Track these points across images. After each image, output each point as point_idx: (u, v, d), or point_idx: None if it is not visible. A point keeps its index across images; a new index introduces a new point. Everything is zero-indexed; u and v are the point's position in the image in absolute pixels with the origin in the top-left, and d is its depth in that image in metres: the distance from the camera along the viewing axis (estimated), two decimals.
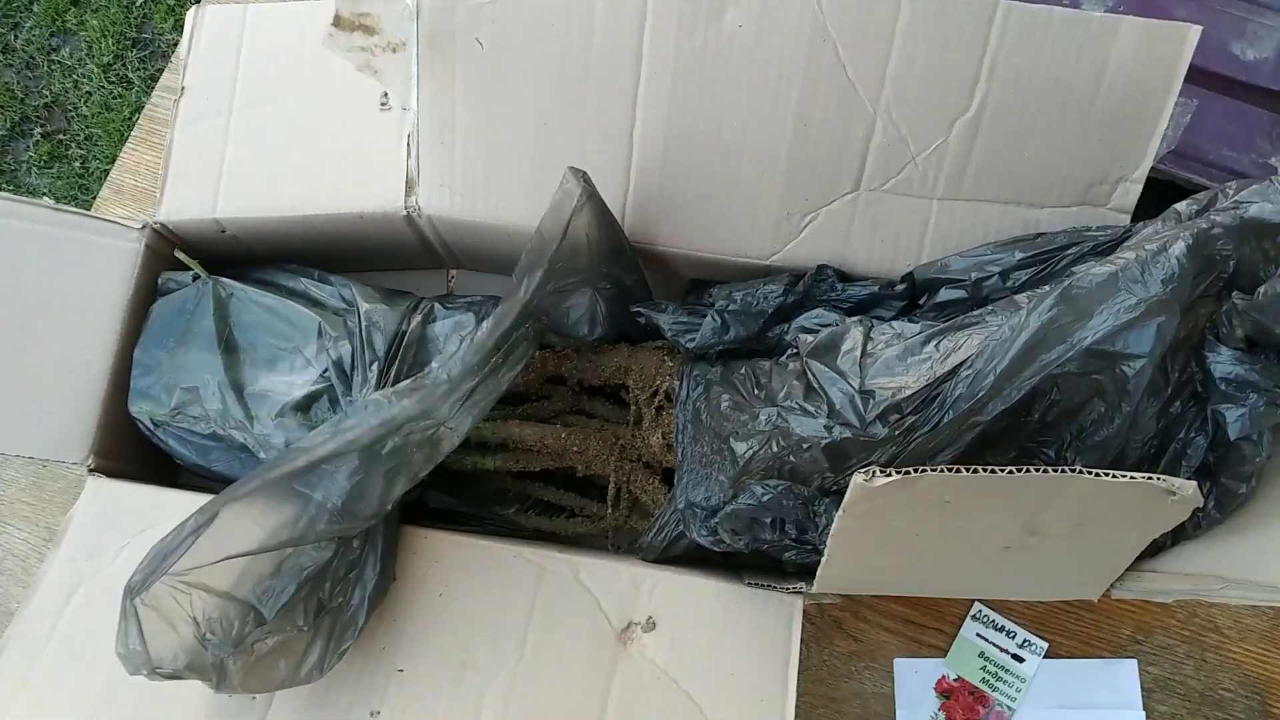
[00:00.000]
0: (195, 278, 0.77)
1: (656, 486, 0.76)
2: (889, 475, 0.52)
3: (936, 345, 0.63)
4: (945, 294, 0.70)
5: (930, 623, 0.83)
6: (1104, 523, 0.58)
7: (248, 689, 0.60)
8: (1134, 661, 0.82)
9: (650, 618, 0.68)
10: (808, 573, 0.70)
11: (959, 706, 0.81)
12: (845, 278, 0.74)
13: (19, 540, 0.88)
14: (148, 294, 0.78)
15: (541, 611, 0.68)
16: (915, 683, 0.82)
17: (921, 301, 0.72)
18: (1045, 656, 0.82)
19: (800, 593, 0.69)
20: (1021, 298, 0.64)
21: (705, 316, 0.71)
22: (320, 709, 0.64)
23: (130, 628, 0.58)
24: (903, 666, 0.83)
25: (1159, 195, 0.74)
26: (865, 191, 0.72)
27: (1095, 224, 0.71)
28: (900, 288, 0.72)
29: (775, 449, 0.64)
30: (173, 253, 0.79)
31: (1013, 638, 0.82)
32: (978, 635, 0.83)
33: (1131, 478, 0.51)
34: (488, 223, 0.76)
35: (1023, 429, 0.62)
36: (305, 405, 0.71)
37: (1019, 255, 0.69)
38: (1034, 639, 0.82)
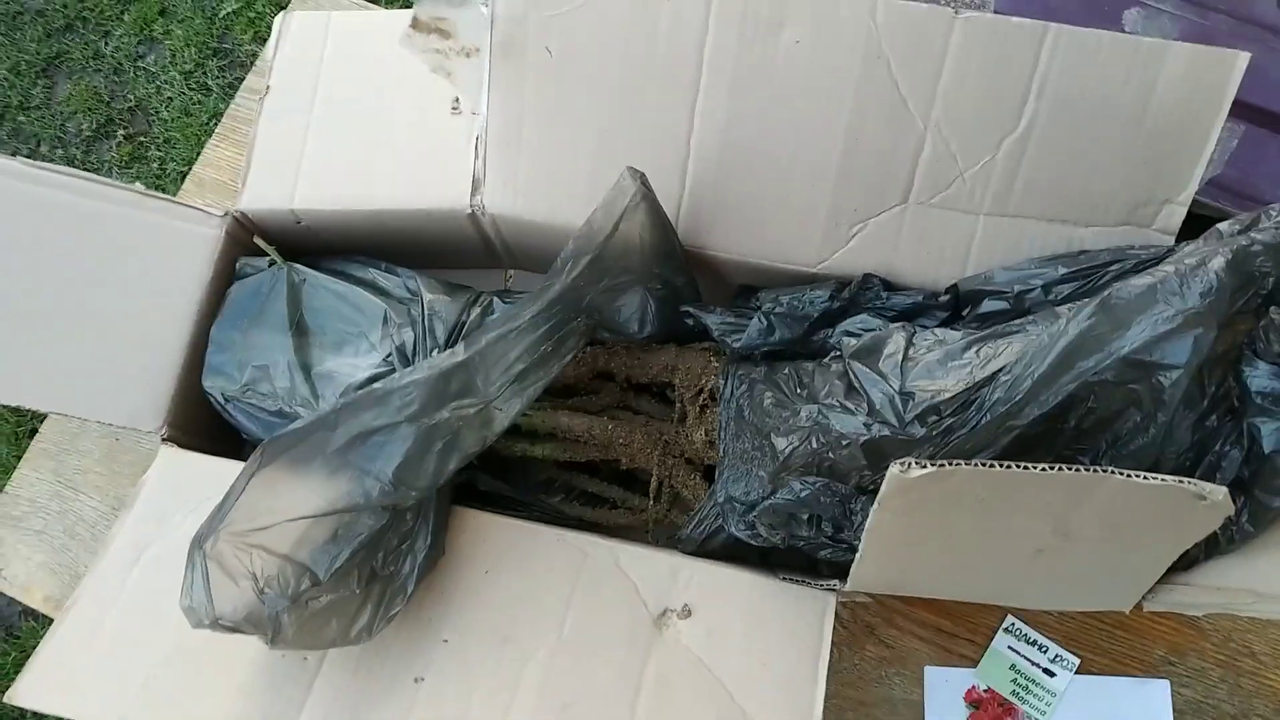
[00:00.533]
0: (271, 263, 0.81)
1: (697, 482, 0.79)
2: (924, 466, 0.54)
3: (977, 351, 0.65)
4: (988, 305, 0.72)
5: (962, 632, 0.84)
6: (1135, 527, 0.59)
7: (300, 645, 0.63)
8: (1166, 682, 0.82)
9: (686, 605, 0.71)
10: (842, 572, 0.72)
11: (988, 717, 0.82)
12: (890, 287, 0.76)
13: (90, 508, 0.93)
14: (226, 277, 0.82)
15: (582, 594, 0.71)
16: (945, 691, 0.83)
17: (965, 313, 0.74)
18: (1077, 673, 0.83)
19: (834, 589, 0.71)
20: (1062, 308, 0.66)
21: (752, 319, 0.74)
22: (368, 673, 0.67)
23: (196, 579, 0.61)
24: (933, 674, 0.84)
25: (1199, 228, 0.76)
26: (913, 204, 0.75)
27: (1139, 244, 0.73)
28: (944, 298, 0.74)
29: (815, 445, 0.66)
30: (251, 240, 0.83)
31: (1045, 652, 0.83)
32: (1009, 648, 0.83)
33: (1162, 480, 0.53)
34: (547, 222, 0.80)
35: (1059, 436, 0.63)
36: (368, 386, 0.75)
37: (1062, 270, 0.70)
38: (1066, 654, 0.83)
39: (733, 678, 0.68)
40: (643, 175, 0.71)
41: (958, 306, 0.74)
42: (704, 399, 0.77)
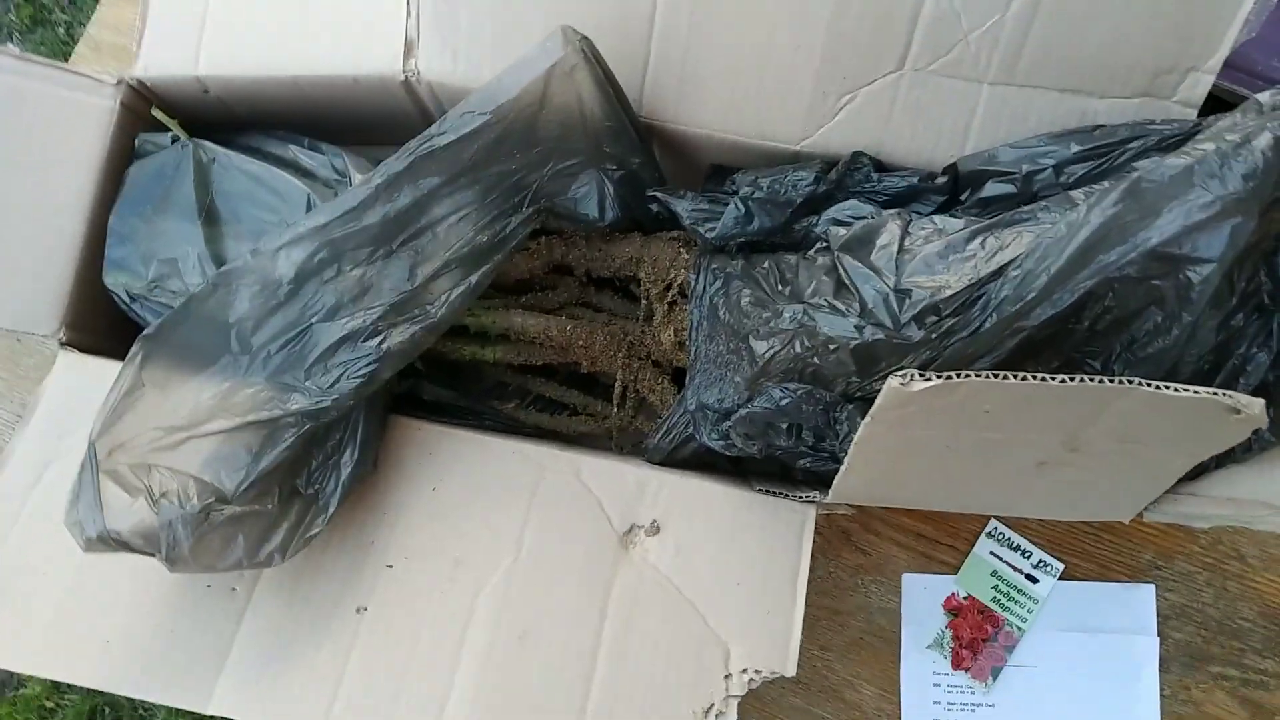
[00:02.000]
0: (175, 140, 0.71)
1: (665, 386, 0.72)
2: (928, 379, 0.47)
3: (982, 242, 0.57)
4: (992, 188, 0.64)
5: (943, 538, 0.80)
6: (1153, 441, 0.53)
7: (201, 565, 0.56)
8: (1151, 586, 0.79)
9: (654, 521, 0.65)
10: (821, 481, 0.66)
11: (967, 625, 0.79)
12: (881, 167, 0.68)
13: None
14: (123, 157, 0.72)
15: (540, 511, 0.64)
16: (923, 599, 0.80)
17: (964, 196, 0.66)
18: (1060, 578, 0.79)
19: (813, 501, 0.65)
20: (1078, 193, 0.58)
21: (728, 204, 0.66)
22: (305, 603, 0.61)
23: (85, 492, 0.54)
24: (911, 582, 0.80)
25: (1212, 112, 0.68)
26: (910, 71, 0.66)
27: (1159, 117, 0.65)
28: (941, 180, 0.66)
29: (799, 349, 0.59)
30: (150, 112, 0.72)
31: (1028, 557, 0.79)
32: (991, 553, 0.79)
33: (1195, 392, 0.47)
34: None
35: (1070, 337, 0.57)
36: None
37: (1075, 148, 0.62)
38: (1050, 559, 0.79)
39: (705, 599, 0.63)
40: (583, 38, 0.61)
41: (956, 189, 0.66)
42: (673, 295, 0.70)
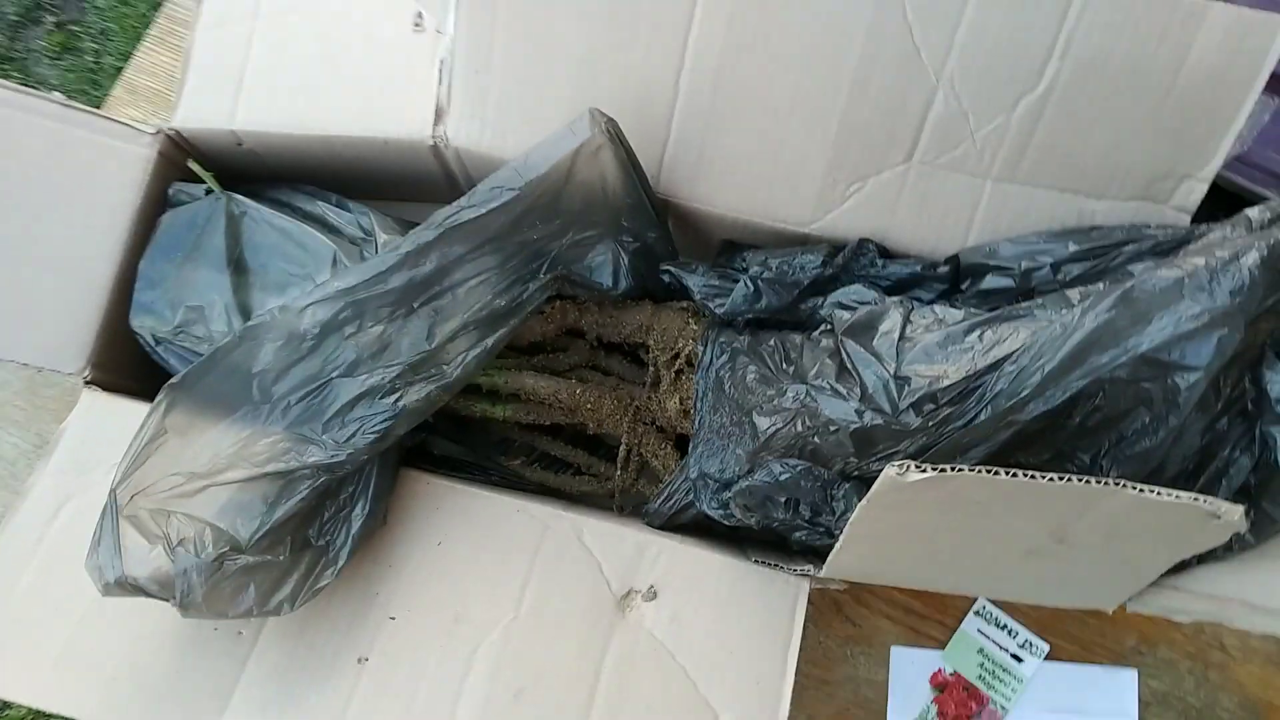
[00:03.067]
0: (208, 191, 0.73)
1: (669, 452, 0.74)
2: (923, 471, 0.49)
3: (980, 335, 0.60)
4: (991, 281, 0.66)
5: (932, 613, 0.82)
6: (1137, 538, 0.55)
7: (213, 611, 0.58)
8: (1134, 672, 0.80)
9: (652, 587, 0.66)
10: (815, 554, 0.68)
11: (952, 701, 0.80)
12: (886, 254, 0.71)
13: (9, 445, 0.86)
14: (157, 204, 0.74)
15: (541, 570, 0.66)
16: (911, 672, 0.81)
17: (964, 286, 0.69)
18: (1045, 659, 0.80)
19: (807, 575, 0.67)
20: (1074, 293, 0.61)
21: (738, 282, 0.68)
22: (309, 650, 0.63)
23: (106, 537, 0.56)
24: (899, 655, 0.81)
25: (1212, 201, 0.70)
26: (917, 164, 0.69)
27: (1153, 221, 0.68)
28: (943, 269, 0.69)
29: (799, 428, 0.61)
30: (186, 163, 0.75)
31: (1014, 636, 0.81)
32: (979, 631, 0.81)
33: (1177, 497, 0.49)
34: None
35: (1060, 431, 0.59)
36: None
37: (1073, 247, 0.65)
38: (1036, 640, 0.80)
39: (697, 666, 0.65)
40: (609, 120, 0.64)
41: (957, 279, 0.69)
42: (680, 363, 0.72)
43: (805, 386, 0.61)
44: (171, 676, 0.61)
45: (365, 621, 0.64)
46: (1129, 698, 0.80)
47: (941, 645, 0.81)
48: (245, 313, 0.69)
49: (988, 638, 0.81)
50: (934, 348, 0.60)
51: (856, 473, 0.62)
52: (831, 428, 0.60)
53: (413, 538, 0.66)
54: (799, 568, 0.67)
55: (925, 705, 0.80)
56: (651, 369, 0.74)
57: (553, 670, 0.63)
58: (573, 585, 0.66)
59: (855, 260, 0.69)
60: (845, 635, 0.82)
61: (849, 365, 0.61)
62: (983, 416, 0.57)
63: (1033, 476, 0.49)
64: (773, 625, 0.66)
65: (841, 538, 0.59)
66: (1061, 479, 0.48)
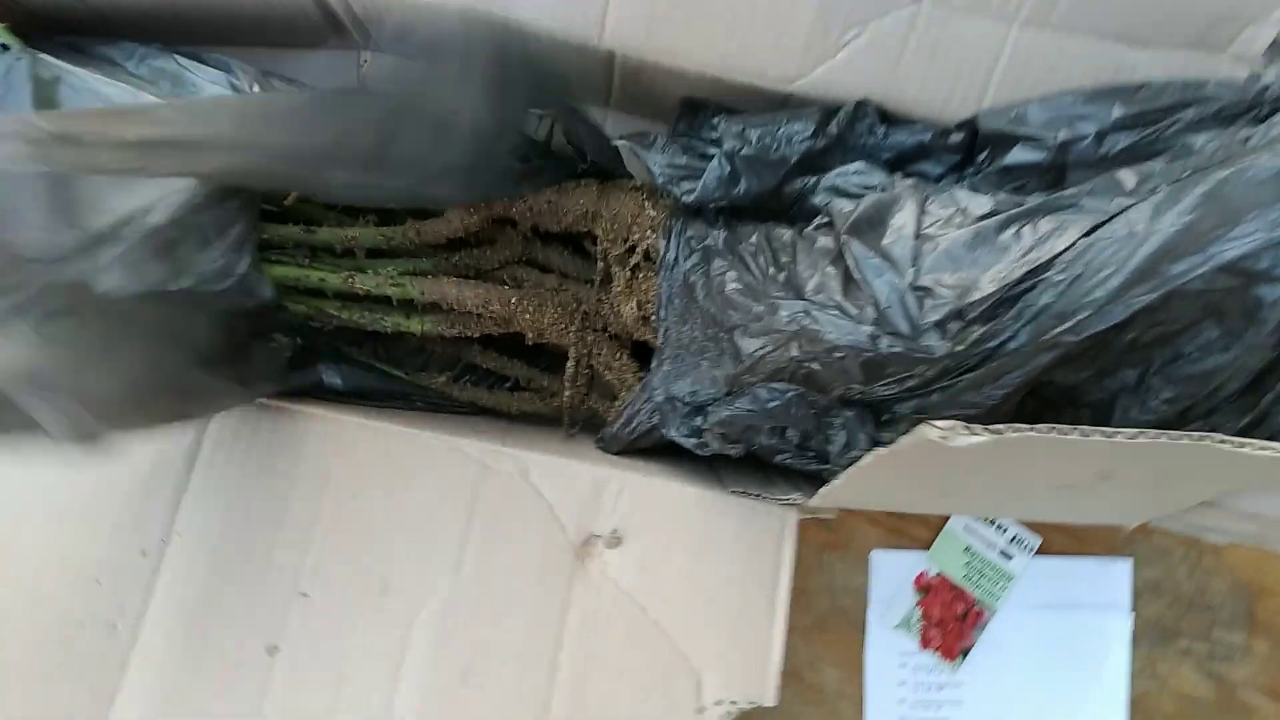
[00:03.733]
0: (3, 48, 0.55)
1: (624, 363, 0.62)
2: (973, 435, 0.39)
3: (1016, 233, 0.48)
4: (1018, 154, 0.54)
5: (915, 513, 0.74)
6: (1197, 476, 0.47)
7: None
8: (1129, 561, 0.75)
9: (615, 531, 0.56)
10: (801, 476, 0.59)
11: (938, 603, 0.74)
12: (885, 118, 0.57)
13: None
14: None
15: (482, 520, 0.55)
16: (892, 576, 0.74)
17: (981, 159, 0.56)
18: (1036, 554, 0.74)
19: (794, 504, 0.57)
20: (1126, 175, 0.49)
21: (710, 159, 0.55)
22: (204, 644, 0.51)
23: None
24: (880, 559, 0.74)
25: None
26: (929, 5, 0.55)
27: (1204, 72, 0.56)
28: (956, 138, 0.56)
29: (795, 353, 0.50)
30: None
31: (1003, 533, 0.74)
32: (965, 528, 0.74)
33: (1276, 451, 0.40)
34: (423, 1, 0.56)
35: (1107, 348, 0.49)
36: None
37: (1118, 111, 0.53)
38: (1026, 535, 0.74)
39: (674, 620, 0.56)
40: None
41: (972, 149, 0.57)
42: (636, 259, 0.59)
43: (803, 303, 0.49)
44: (31, 697, 0.50)
45: (271, 601, 0.52)
46: (1123, 588, 0.75)
47: (925, 546, 0.74)
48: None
49: (975, 534, 0.74)
50: (960, 249, 0.48)
51: (859, 397, 0.52)
52: (836, 354, 0.49)
53: (321, 491, 0.54)
54: (784, 496, 0.57)
55: (909, 609, 0.74)
56: (601, 264, 0.61)
57: (504, 642, 0.54)
58: (521, 536, 0.55)
59: (851, 128, 0.56)
60: (820, 541, 0.74)
61: (855, 273, 0.49)
62: (1022, 338, 0.47)
63: (1113, 435, 0.39)
64: (757, 566, 0.57)
65: (844, 475, 0.49)
66: (1152, 435, 0.39)
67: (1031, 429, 0.39)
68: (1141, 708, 0.75)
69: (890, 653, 0.74)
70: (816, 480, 0.58)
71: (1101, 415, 0.53)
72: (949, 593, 0.74)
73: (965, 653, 0.74)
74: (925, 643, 0.74)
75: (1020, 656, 0.74)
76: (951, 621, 0.74)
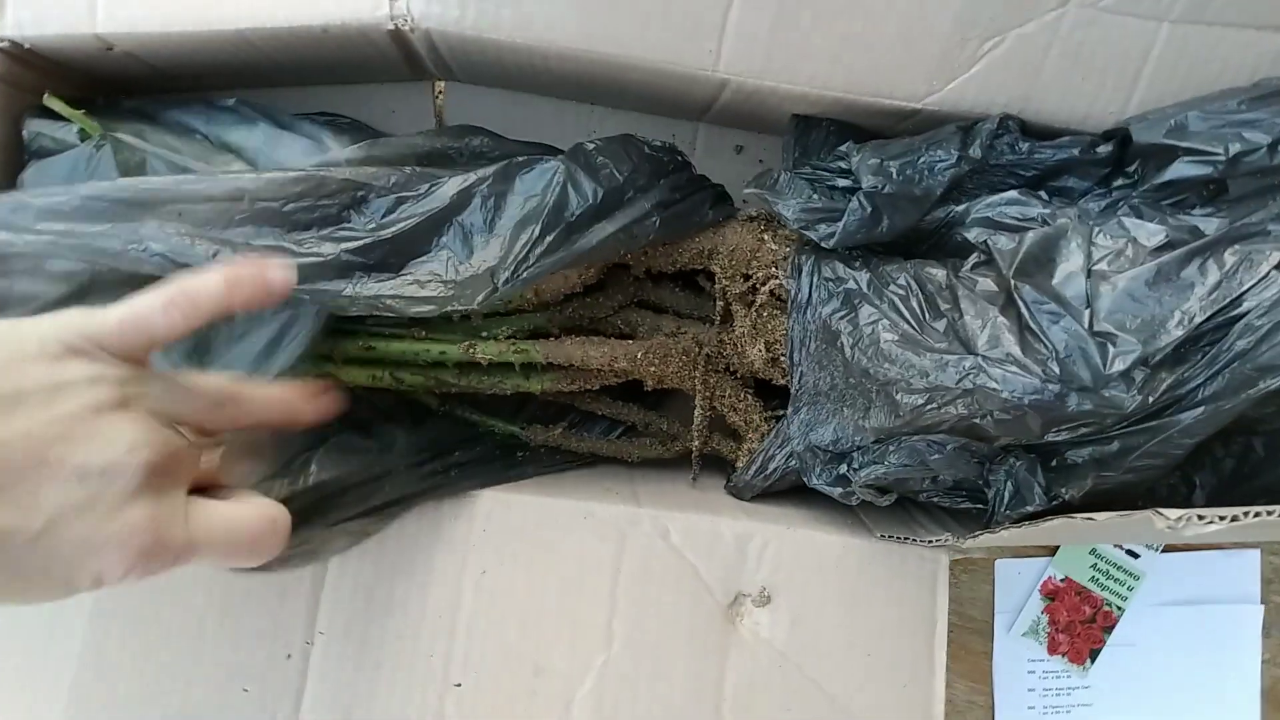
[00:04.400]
0: (83, 135, 0.51)
1: (749, 404, 0.59)
2: (1210, 523, 0.36)
3: (1200, 268, 0.45)
4: (1180, 169, 0.50)
5: None
6: None
7: None
8: (1257, 551, 0.73)
9: (764, 589, 0.54)
10: (947, 513, 0.56)
11: (1064, 608, 0.72)
12: (1025, 131, 0.54)
13: None
14: (10, 152, 0.52)
15: (627, 590, 0.53)
16: (1017, 584, 0.72)
17: (1132, 169, 0.52)
18: (1163, 550, 0.72)
19: (945, 545, 0.55)
20: None
21: (844, 193, 0.51)
22: None
23: None
24: (1004, 567, 0.72)
25: None
26: (1075, 7, 0.50)
27: None
28: (1104, 150, 0.52)
29: (963, 410, 0.47)
30: (36, 85, 0.52)
31: None
32: None
33: None
34: (519, 43, 0.52)
35: None
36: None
37: None
38: None
39: (832, 676, 0.54)
40: None
41: (1121, 159, 0.53)
42: (761, 297, 0.56)
43: (974, 359, 0.46)
44: None
45: (424, 694, 0.50)
46: (1251, 579, 0.73)
47: (1050, 552, 0.72)
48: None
49: None
50: (1141, 289, 0.45)
51: (1025, 442, 0.49)
52: (1013, 410, 0.46)
53: (459, 574, 0.52)
54: (935, 537, 0.55)
55: (1036, 616, 0.72)
56: (720, 302, 0.58)
57: (665, 712, 0.52)
58: (669, 602, 0.53)
59: (992, 147, 0.52)
60: None
61: (1030, 322, 0.46)
62: (1217, 384, 0.44)
63: None
64: (913, 614, 0.55)
65: (1021, 530, 0.47)
66: None
67: (1269, 513, 0.36)
68: (1275, 695, 0.73)
69: (1018, 660, 0.72)
70: (963, 517, 0.55)
71: (1279, 444, 0.50)
72: (1075, 596, 0.72)
73: (1094, 655, 0.72)
74: (1053, 648, 0.72)
75: (1150, 655, 0.73)
76: (1079, 625, 0.72)
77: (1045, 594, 0.72)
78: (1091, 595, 0.72)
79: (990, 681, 0.72)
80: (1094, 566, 0.72)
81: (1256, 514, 0.36)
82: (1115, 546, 0.72)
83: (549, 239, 0.48)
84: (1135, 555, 0.72)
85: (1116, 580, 0.72)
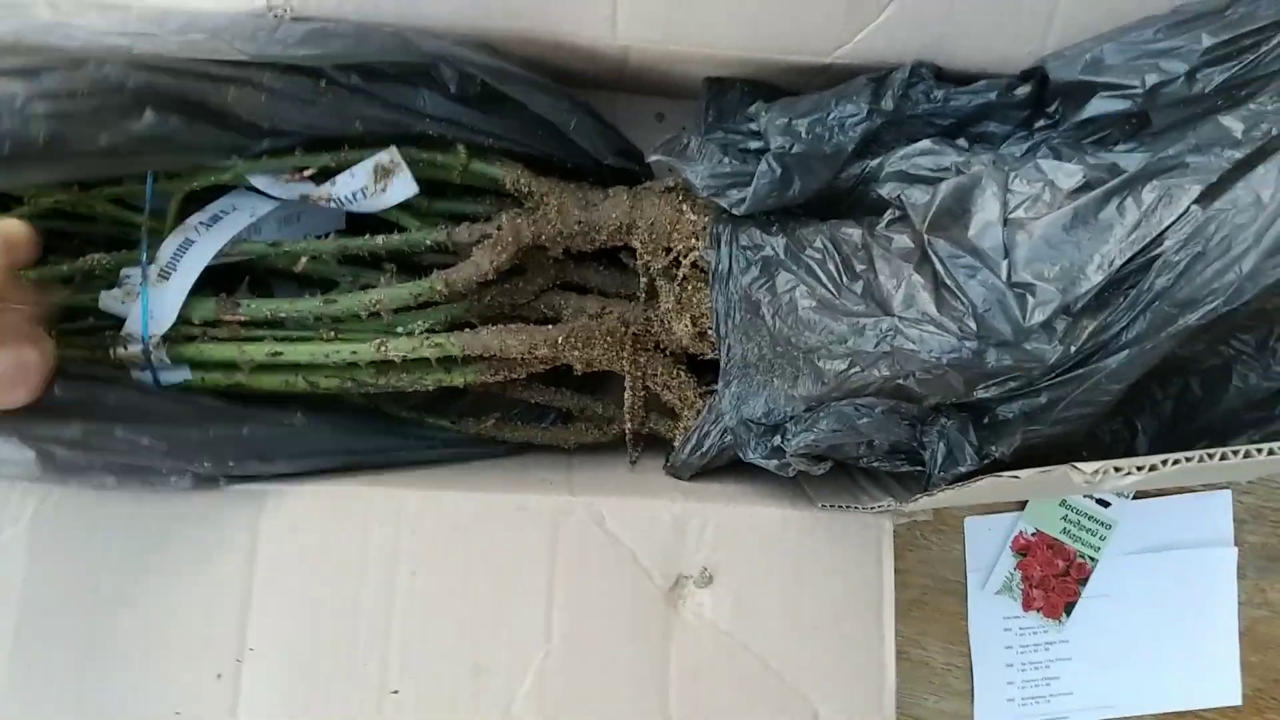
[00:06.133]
0: None
1: (682, 380, 0.58)
2: (1127, 474, 0.35)
3: (1119, 208, 0.43)
4: (1099, 105, 0.48)
5: None
6: None
7: None
8: (1228, 492, 0.71)
9: (705, 569, 0.53)
10: (890, 478, 0.55)
11: (1037, 563, 0.70)
12: (940, 77, 0.51)
13: None
14: None
15: (564, 581, 0.52)
16: (988, 542, 0.71)
17: (1052, 109, 0.50)
18: (1134, 497, 0.70)
19: (888, 510, 0.53)
20: (1232, 121, 0.43)
21: (755, 157, 0.49)
22: None
23: None
24: (974, 525, 0.71)
25: None
26: None
27: None
28: (1023, 90, 0.50)
29: (885, 371, 0.45)
30: None
31: None
32: None
33: None
34: (406, 26, 0.50)
35: (1225, 321, 0.44)
36: None
37: (1207, 40, 0.47)
38: None
39: (778, 654, 0.52)
40: None
41: (1040, 100, 0.51)
42: (683, 270, 0.54)
43: (890, 320, 0.44)
44: None
45: (362, 704, 0.49)
46: (1223, 521, 0.71)
47: (1019, 506, 0.71)
48: None
49: None
50: (1058, 233, 0.43)
51: (954, 401, 0.48)
52: (934, 370, 0.44)
53: (390, 576, 0.51)
54: (877, 504, 0.53)
55: (1009, 572, 0.70)
56: (643, 279, 0.56)
57: (610, 704, 0.51)
58: (608, 590, 0.52)
59: (906, 97, 0.50)
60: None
61: (946, 278, 0.44)
62: (1139, 327, 0.42)
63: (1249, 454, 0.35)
64: (858, 583, 0.53)
65: (954, 491, 0.46)
66: None
67: (1187, 459, 0.34)
68: (1253, 636, 0.72)
69: (994, 619, 0.71)
70: (907, 480, 0.54)
71: (1215, 382, 0.49)
72: (1048, 550, 0.70)
73: (1070, 609, 0.71)
74: (1028, 605, 0.71)
75: (1126, 605, 0.71)
76: (1053, 579, 0.71)
77: (1017, 550, 0.71)
78: (1064, 547, 0.71)
79: (967, 643, 0.71)
80: (1064, 518, 0.70)
81: (1175, 461, 0.35)
82: (1085, 496, 0.70)
83: None
84: (1106, 504, 0.70)
85: (1088, 530, 0.70)
